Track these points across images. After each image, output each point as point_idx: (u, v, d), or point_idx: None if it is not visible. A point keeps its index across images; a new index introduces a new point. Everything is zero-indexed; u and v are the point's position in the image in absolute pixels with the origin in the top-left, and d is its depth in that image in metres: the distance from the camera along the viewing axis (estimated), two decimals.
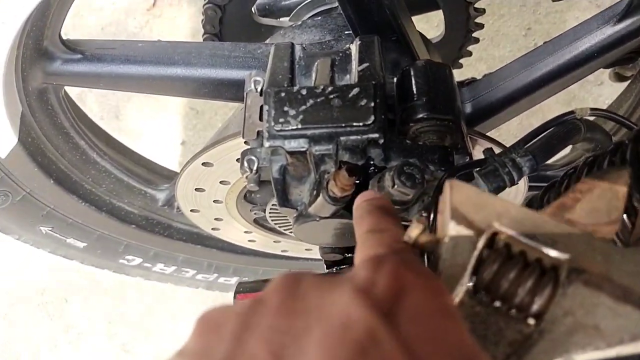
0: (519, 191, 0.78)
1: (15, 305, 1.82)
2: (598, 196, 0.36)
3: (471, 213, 0.32)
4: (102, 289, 1.74)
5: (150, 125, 1.72)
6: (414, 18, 0.99)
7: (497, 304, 0.31)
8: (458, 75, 1.10)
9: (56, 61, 0.71)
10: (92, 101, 1.73)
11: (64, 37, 0.72)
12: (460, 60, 1.04)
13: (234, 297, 0.79)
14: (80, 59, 0.71)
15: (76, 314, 1.75)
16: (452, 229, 0.32)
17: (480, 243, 0.31)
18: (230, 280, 1.32)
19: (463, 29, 0.94)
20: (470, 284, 0.31)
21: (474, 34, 0.97)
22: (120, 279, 1.72)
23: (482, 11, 0.92)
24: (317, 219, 0.55)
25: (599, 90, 1.49)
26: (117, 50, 0.71)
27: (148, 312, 1.70)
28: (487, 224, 0.31)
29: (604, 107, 0.99)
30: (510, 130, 1.60)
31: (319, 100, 0.52)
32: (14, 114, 0.74)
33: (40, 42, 0.68)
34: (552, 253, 0.31)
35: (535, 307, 0.30)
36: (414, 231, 0.35)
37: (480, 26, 0.95)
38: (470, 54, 1.03)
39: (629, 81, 0.89)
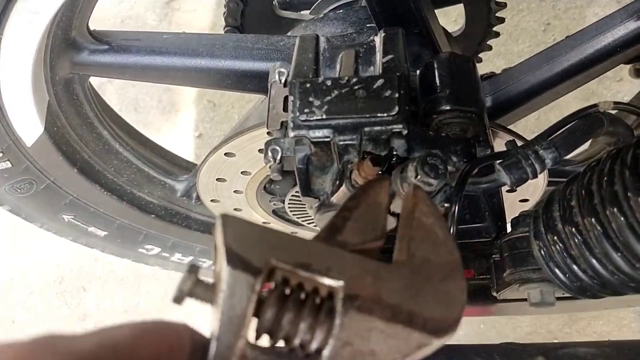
0: (537, 186, 0.78)
1: (34, 294, 1.85)
2: (363, 212, 0.36)
3: (247, 251, 0.30)
4: (119, 278, 1.77)
5: (168, 117, 1.74)
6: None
7: (282, 346, 0.30)
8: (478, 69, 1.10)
9: (83, 51, 0.72)
10: (111, 93, 1.75)
11: (91, 28, 0.73)
12: (490, 50, 1.04)
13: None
14: (107, 49, 0.72)
15: (93, 302, 1.78)
16: (228, 275, 0.30)
17: (257, 286, 0.29)
18: None
19: (484, 22, 0.94)
20: (250, 333, 0.30)
21: (495, 28, 0.97)
22: (136, 269, 1.75)
23: (503, 5, 0.92)
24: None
25: (618, 87, 1.48)
26: (143, 42, 0.72)
27: (162, 301, 1.72)
28: (264, 260, 0.30)
29: None
30: (527, 126, 1.59)
31: (343, 91, 0.52)
32: (41, 103, 0.76)
33: (68, 33, 0.70)
34: (327, 281, 0.31)
35: (314, 344, 0.29)
36: (186, 284, 0.31)
37: (501, 20, 0.95)
38: (490, 48, 1.03)
39: None
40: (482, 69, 1.16)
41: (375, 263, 0.32)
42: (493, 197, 0.70)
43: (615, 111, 0.58)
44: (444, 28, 0.82)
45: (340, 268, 0.31)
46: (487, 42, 1.00)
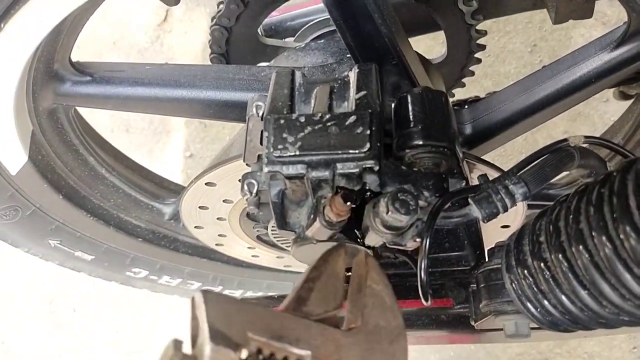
0: (517, 212, 0.79)
1: (24, 314, 1.84)
2: (325, 282, 0.40)
3: (227, 327, 0.33)
4: (110, 299, 1.76)
5: (159, 138, 1.75)
6: (419, 37, 1.01)
7: None
8: (463, 92, 1.12)
9: (66, 83, 0.73)
10: (103, 114, 1.76)
11: (74, 57, 0.74)
12: (472, 76, 1.05)
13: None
14: (90, 81, 0.73)
15: (84, 323, 1.78)
16: (211, 351, 0.32)
17: (237, 359, 0.32)
18: (235, 293, 1.34)
19: (465, 50, 0.95)
20: None
21: (477, 55, 0.98)
22: (127, 290, 1.75)
23: (483, 33, 0.93)
24: (314, 242, 0.56)
25: (604, 107, 1.49)
26: (125, 73, 0.73)
27: (153, 322, 1.72)
28: (243, 335, 0.33)
29: (610, 124, 1.00)
30: (515, 146, 1.60)
31: (316, 127, 0.53)
32: (24, 132, 0.77)
33: (50, 65, 0.71)
34: (296, 351, 0.34)
35: None
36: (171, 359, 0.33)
37: (482, 47, 0.96)
38: (472, 73, 1.04)
39: (633, 99, 0.89)
40: (469, 89, 1.18)
41: (337, 331, 0.37)
42: (471, 227, 0.71)
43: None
44: (423, 56, 0.84)
45: (307, 338, 0.35)
46: (470, 68, 1.01)
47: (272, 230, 0.83)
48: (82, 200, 0.96)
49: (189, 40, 1.77)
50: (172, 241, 1.13)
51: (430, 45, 1.60)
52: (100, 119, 1.74)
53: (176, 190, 1.10)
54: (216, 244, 0.94)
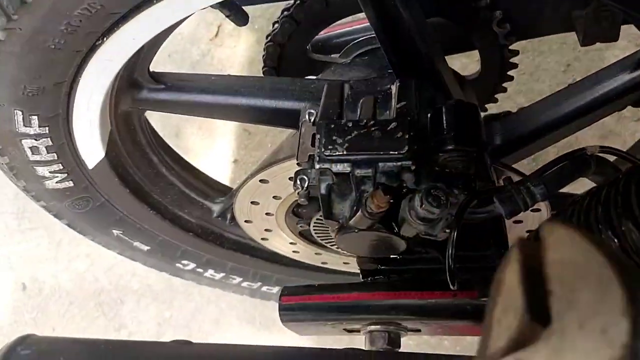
0: (542, 217, 0.85)
1: (74, 304, 1.98)
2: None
3: None
4: (154, 292, 1.88)
5: (206, 144, 1.87)
6: (456, 55, 1.08)
7: None
8: (496, 107, 1.18)
9: (143, 90, 0.85)
10: (154, 120, 1.90)
11: (151, 70, 0.86)
12: (502, 93, 1.12)
13: (279, 299, 0.89)
14: (164, 88, 0.84)
15: (129, 314, 1.90)
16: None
17: None
18: (272, 290, 1.43)
19: (497, 68, 1.02)
20: None
21: (509, 72, 1.06)
22: (169, 285, 1.86)
23: (516, 52, 1.01)
24: (356, 231, 0.65)
25: (635, 126, 1.53)
26: (194, 83, 0.84)
27: (193, 316, 1.82)
28: None
29: None
30: (548, 159, 1.65)
31: (362, 131, 0.62)
32: (104, 132, 0.88)
33: (132, 74, 0.82)
34: None
35: None
36: None
37: (515, 66, 1.03)
38: (505, 90, 1.11)
39: None
40: (504, 105, 1.24)
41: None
42: (497, 227, 0.78)
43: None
44: (458, 73, 0.92)
45: None
46: (503, 85, 1.08)
47: (314, 225, 0.91)
48: (144, 195, 1.07)
49: (237, 53, 1.89)
50: (218, 237, 1.23)
51: (466, 63, 1.68)
52: (152, 124, 1.88)
53: (223, 191, 1.20)
54: (262, 238, 1.03)
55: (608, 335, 0.25)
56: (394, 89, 0.67)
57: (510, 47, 0.99)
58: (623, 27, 0.84)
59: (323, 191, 0.66)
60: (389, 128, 0.61)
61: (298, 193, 0.69)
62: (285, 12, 0.94)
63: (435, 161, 0.64)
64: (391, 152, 0.60)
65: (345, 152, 0.61)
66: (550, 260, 0.29)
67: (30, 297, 2.01)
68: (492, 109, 1.19)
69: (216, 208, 1.18)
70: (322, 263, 1.14)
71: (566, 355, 0.26)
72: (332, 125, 0.63)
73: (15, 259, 2.00)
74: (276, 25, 0.97)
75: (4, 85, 0.70)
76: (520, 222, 0.86)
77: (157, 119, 1.91)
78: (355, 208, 0.63)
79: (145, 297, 1.89)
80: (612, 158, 0.71)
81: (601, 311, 0.26)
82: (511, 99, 1.66)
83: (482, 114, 1.09)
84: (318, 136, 0.64)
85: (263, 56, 1.03)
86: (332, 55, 1.08)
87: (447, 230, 0.60)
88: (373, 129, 0.62)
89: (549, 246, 0.30)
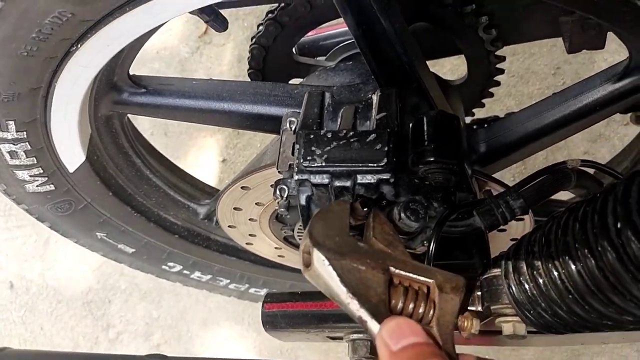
0: (526, 226, 0.85)
1: (62, 303, 1.97)
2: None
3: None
4: (142, 292, 1.87)
5: (195, 142, 1.85)
6: (442, 60, 1.07)
7: None
8: (484, 111, 1.18)
9: (124, 93, 0.83)
10: (143, 118, 1.88)
11: (131, 73, 0.84)
12: (491, 97, 1.12)
13: (262, 306, 0.89)
14: (144, 92, 0.83)
15: (117, 314, 1.89)
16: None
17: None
18: (260, 292, 1.42)
19: (485, 73, 1.02)
20: None
21: (496, 78, 1.05)
22: (157, 284, 1.85)
23: (502, 58, 1.00)
24: None
25: (624, 130, 1.53)
26: (175, 86, 0.83)
27: (182, 316, 1.82)
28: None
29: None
30: (536, 164, 1.65)
31: (341, 142, 0.61)
32: (84, 136, 0.87)
33: (111, 78, 0.81)
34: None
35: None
36: None
37: (501, 71, 1.03)
38: (492, 95, 1.10)
39: None
40: (492, 108, 1.23)
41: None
42: (480, 238, 0.77)
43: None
44: (442, 79, 0.91)
45: (426, 274, 0.50)
46: (489, 90, 1.08)
47: (298, 232, 0.91)
48: (128, 197, 1.06)
49: (226, 51, 1.88)
50: (205, 239, 1.22)
51: (457, 64, 1.67)
52: (142, 123, 1.86)
53: (210, 192, 1.19)
54: (246, 243, 1.03)
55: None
56: (374, 98, 0.66)
57: (497, 53, 0.99)
58: None
59: (302, 202, 0.65)
60: (368, 139, 0.61)
61: (278, 203, 0.68)
62: (270, 15, 0.93)
63: (415, 173, 0.63)
64: (370, 165, 0.59)
65: (324, 164, 0.61)
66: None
67: (17, 296, 2.00)
68: (480, 112, 1.19)
69: (202, 210, 1.17)
70: None
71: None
72: (312, 136, 0.62)
73: (2, 257, 1.99)
74: (261, 27, 0.96)
75: None
76: (504, 230, 0.86)
77: (145, 118, 1.89)
78: None
79: (133, 296, 1.88)
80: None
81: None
82: (501, 102, 1.66)
83: (469, 119, 1.08)
84: (297, 146, 0.63)
85: (248, 58, 1.02)
86: (318, 58, 1.08)
87: (426, 244, 0.59)
88: (352, 140, 0.61)
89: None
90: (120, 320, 1.87)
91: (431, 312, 0.50)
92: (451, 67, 1.66)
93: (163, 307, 1.84)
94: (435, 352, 0.46)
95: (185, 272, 1.30)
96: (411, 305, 0.49)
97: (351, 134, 0.61)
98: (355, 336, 0.83)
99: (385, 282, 0.49)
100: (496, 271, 0.66)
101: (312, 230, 0.50)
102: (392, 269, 0.50)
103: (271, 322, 0.87)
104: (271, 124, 0.82)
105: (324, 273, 0.49)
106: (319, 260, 0.49)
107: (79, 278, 1.95)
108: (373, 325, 0.47)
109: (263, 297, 0.85)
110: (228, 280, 1.36)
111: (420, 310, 0.49)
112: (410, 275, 0.50)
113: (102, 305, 1.91)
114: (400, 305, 0.49)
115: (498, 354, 1.48)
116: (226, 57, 1.86)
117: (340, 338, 0.86)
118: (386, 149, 0.60)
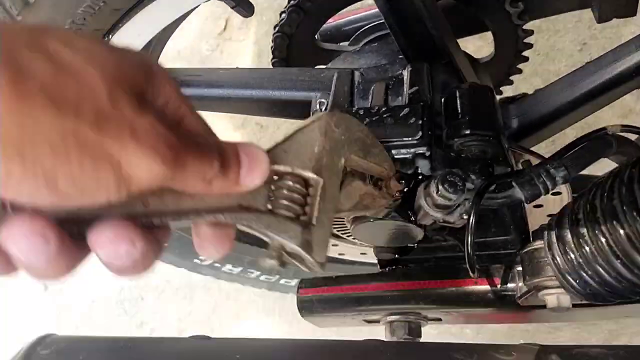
0: (563, 201, 0.83)
1: (96, 302, 2.01)
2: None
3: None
4: (174, 288, 1.90)
5: (220, 138, 1.87)
6: (469, 38, 1.06)
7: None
8: (512, 89, 1.16)
9: None
10: None
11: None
12: (517, 75, 1.10)
13: (297, 291, 0.89)
14: None
15: (150, 311, 1.92)
16: None
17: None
18: (291, 282, 1.43)
19: (512, 49, 1.00)
20: None
21: (524, 53, 1.03)
22: (189, 280, 1.88)
23: (530, 32, 0.98)
24: (372, 220, 0.64)
25: None
26: (202, 77, 0.83)
27: (213, 311, 1.83)
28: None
29: None
30: (566, 141, 1.62)
31: (374, 118, 0.61)
32: None
33: None
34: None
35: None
36: None
37: (530, 46, 1.01)
38: (520, 71, 1.08)
39: None
40: (519, 87, 1.21)
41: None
42: (517, 212, 0.76)
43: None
44: (471, 56, 0.89)
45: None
46: (518, 66, 1.06)
47: None
48: None
49: (246, 47, 1.88)
50: (236, 231, 1.23)
51: (480, 46, 1.64)
52: None
53: None
54: None
55: None
56: (405, 74, 0.66)
57: (524, 27, 0.97)
58: None
59: None
60: (401, 114, 0.60)
61: None
62: (292, 2, 0.93)
63: (450, 147, 0.62)
64: (405, 139, 0.59)
65: None
66: None
67: (52, 297, 2.05)
68: (507, 91, 1.17)
69: None
70: (339, 254, 1.13)
71: None
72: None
73: None
74: (283, 15, 0.96)
75: None
76: (540, 206, 0.84)
77: None
78: None
79: (166, 293, 1.91)
80: (634, 137, 0.69)
81: None
82: (527, 81, 1.62)
83: (498, 97, 1.07)
84: None
85: (271, 47, 1.02)
86: (341, 44, 1.07)
87: (465, 217, 0.58)
88: (385, 115, 0.60)
89: None
90: (154, 317, 1.90)
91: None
92: (474, 49, 1.63)
93: (195, 302, 1.86)
94: None
95: (216, 265, 1.31)
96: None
97: (384, 109, 0.61)
98: (392, 317, 0.82)
99: None
100: (538, 244, 0.65)
101: None
102: None
103: (307, 307, 0.88)
104: (300, 109, 0.81)
105: None
106: None
107: (112, 277, 1.98)
108: None
109: (293, 288, 0.85)
110: (259, 272, 1.37)
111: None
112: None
113: (136, 302, 1.94)
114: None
115: (534, 337, 1.46)
116: (246, 53, 1.87)
117: (377, 321, 0.86)
118: (420, 122, 0.59)
